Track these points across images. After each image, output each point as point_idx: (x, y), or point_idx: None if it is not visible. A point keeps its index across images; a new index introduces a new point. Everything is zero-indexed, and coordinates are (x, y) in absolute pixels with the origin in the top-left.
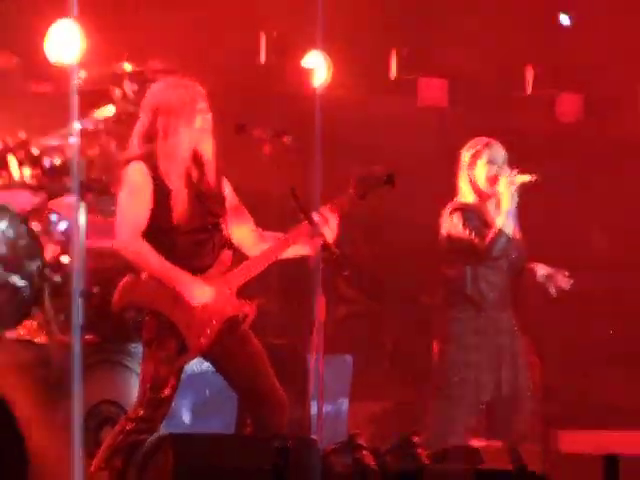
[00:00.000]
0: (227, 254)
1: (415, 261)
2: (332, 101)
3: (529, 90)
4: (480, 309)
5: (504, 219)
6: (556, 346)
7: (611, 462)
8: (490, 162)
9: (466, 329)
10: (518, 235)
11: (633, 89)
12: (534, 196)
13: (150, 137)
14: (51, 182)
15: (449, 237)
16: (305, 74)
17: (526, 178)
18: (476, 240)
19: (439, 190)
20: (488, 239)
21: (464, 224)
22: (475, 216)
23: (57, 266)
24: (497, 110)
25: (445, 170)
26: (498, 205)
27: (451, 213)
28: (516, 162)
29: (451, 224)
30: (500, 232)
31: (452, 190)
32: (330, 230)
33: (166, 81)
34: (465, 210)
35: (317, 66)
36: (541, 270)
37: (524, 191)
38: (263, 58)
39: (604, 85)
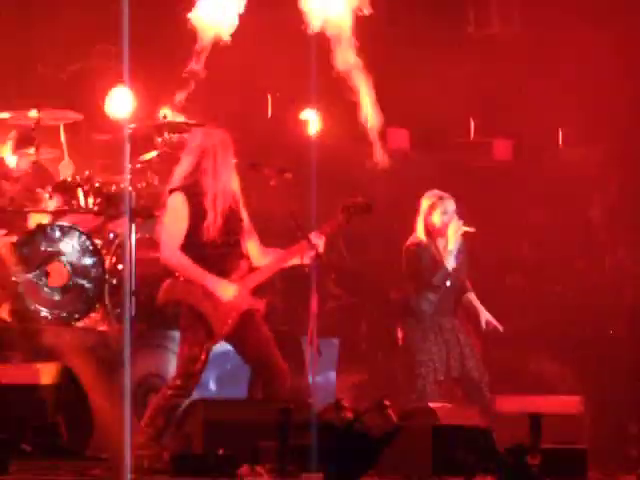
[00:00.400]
0: (244, 263)
1: (386, 267)
2: (323, 146)
3: (471, 136)
4: (419, 319)
5: (449, 257)
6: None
7: (535, 419)
8: (444, 212)
9: (414, 331)
10: (462, 265)
11: (554, 136)
12: (476, 218)
13: (192, 173)
14: (109, 208)
15: (406, 266)
16: (302, 125)
17: (468, 229)
18: (424, 273)
19: (404, 212)
20: (435, 272)
21: (417, 258)
22: (426, 252)
23: (114, 272)
24: (447, 152)
25: (408, 197)
26: (446, 244)
27: (409, 247)
28: (462, 193)
29: (408, 256)
30: (443, 268)
31: (413, 212)
32: (320, 246)
33: (208, 130)
34: (419, 246)
35: (311, 119)
36: (483, 316)
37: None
38: (270, 113)
39: (530, 133)
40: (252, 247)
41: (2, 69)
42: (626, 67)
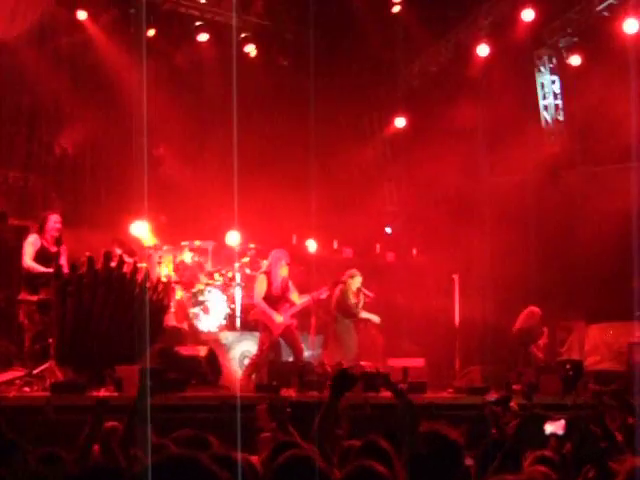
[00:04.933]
0: (287, 305)
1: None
2: (315, 255)
3: (377, 250)
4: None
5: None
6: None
7: (405, 369)
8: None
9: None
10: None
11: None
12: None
13: (268, 267)
14: (229, 281)
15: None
16: (306, 247)
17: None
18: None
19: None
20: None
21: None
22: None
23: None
24: (372, 259)
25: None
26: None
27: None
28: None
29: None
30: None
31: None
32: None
33: (276, 251)
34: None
35: (310, 244)
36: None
37: None
38: (295, 241)
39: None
40: (294, 297)
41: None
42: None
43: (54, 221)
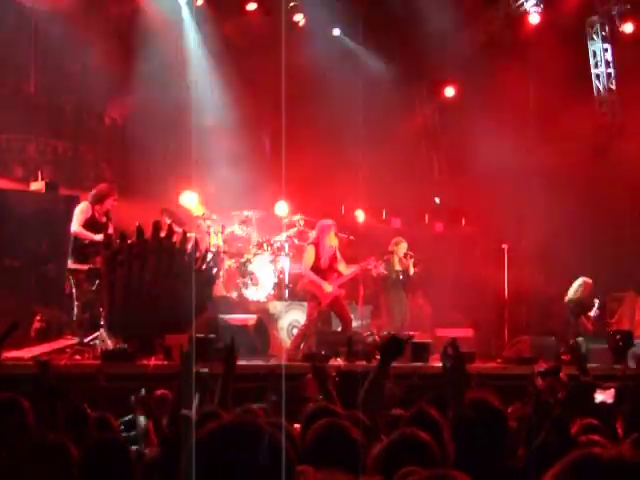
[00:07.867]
0: (336, 275)
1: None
2: (364, 224)
3: (426, 220)
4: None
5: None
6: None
7: (454, 339)
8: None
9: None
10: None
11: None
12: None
13: (315, 238)
14: (278, 250)
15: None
16: (355, 216)
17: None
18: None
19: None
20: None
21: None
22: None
23: (280, 277)
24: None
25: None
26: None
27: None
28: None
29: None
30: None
31: None
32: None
33: (323, 220)
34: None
35: (359, 214)
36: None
37: None
38: (343, 211)
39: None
40: (341, 267)
41: None
42: None
43: (114, 198)
